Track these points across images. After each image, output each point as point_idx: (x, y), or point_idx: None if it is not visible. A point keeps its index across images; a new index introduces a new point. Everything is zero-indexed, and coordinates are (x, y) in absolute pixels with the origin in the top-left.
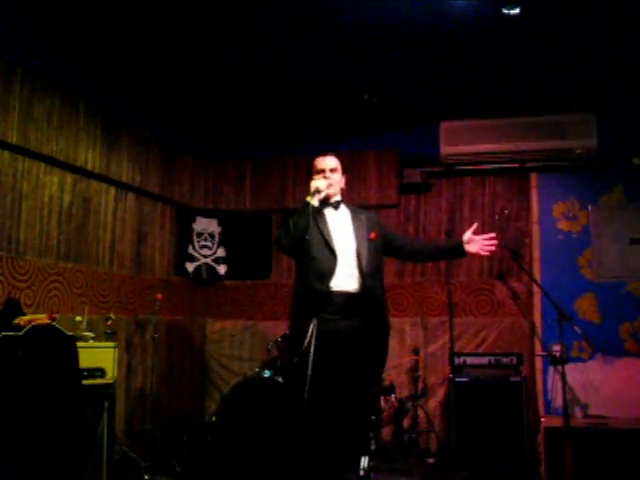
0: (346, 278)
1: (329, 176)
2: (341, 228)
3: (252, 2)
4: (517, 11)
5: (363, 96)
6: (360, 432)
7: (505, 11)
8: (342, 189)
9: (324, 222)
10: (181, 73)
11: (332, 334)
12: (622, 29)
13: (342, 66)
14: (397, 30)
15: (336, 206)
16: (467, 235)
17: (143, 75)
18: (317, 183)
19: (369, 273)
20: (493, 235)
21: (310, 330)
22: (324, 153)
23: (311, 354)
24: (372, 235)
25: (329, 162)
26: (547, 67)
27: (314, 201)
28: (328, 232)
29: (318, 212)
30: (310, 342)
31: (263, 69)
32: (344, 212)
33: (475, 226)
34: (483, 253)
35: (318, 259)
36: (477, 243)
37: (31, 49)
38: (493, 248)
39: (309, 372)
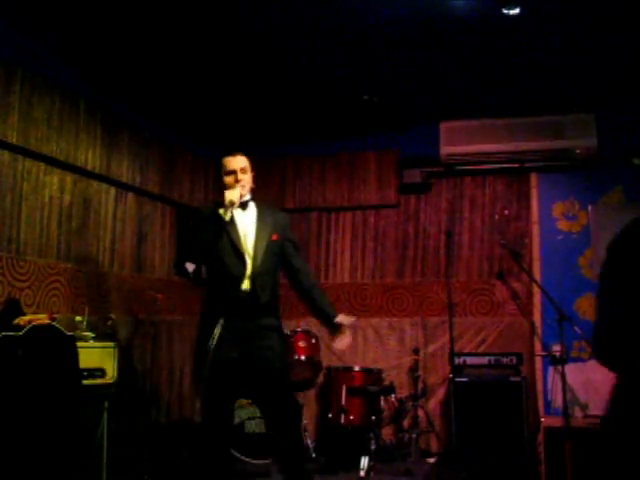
0: (246, 280)
1: (241, 178)
2: (247, 230)
3: (252, 2)
4: (517, 11)
5: (363, 96)
6: (291, 432)
7: (505, 11)
8: (252, 188)
9: (233, 225)
10: (181, 73)
11: (235, 337)
12: (622, 29)
13: (342, 66)
14: (397, 30)
15: (244, 206)
16: (343, 325)
17: (143, 75)
18: (231, 195)
19: (259, 274)
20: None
21: (215, 332)
22: (232, 153)
23: (210, 355)
24: (274, 236)
25: (240, 162)
26: (547, 67)
27: (228, 215)
28: (237, 235)
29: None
30: (212, 344)
31: (263, 69)
32: (251, 212)
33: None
34: (339, 347)
35: (226, 263)
36: (343, 340)
37: (31, 49)
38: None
39: (206, 374)
